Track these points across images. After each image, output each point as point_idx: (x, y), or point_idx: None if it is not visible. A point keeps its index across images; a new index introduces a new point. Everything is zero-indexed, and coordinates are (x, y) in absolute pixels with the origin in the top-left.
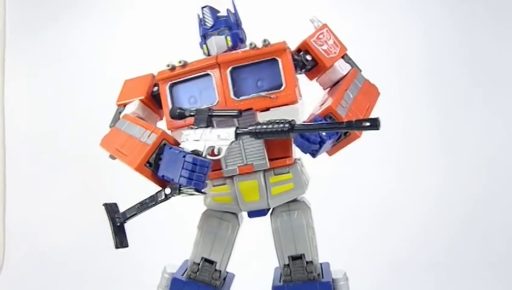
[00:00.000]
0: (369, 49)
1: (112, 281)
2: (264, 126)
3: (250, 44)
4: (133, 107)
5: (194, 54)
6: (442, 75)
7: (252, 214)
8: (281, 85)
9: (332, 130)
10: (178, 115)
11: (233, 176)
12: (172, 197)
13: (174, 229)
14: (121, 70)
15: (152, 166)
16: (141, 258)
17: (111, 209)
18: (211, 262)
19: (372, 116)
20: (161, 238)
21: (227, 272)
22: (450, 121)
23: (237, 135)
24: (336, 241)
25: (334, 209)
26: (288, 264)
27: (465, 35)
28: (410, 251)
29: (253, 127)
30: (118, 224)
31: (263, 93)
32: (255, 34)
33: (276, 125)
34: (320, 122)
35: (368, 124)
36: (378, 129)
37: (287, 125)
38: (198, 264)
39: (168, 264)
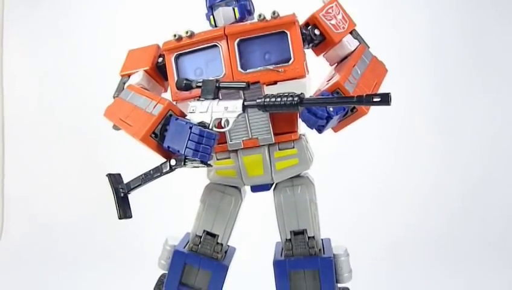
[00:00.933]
0: (373, 31)
1: (113, 254)
2: (273, 99)
3: (259, 16)
4: (138, 77)
5: (200, 25)
6: (444, 57)
7: (255, 188)
8: (289, 58)
9: (343, 105)
10: (185, 86)
11: (238, 149)
12: (177, 169)
13: (175, 201)
14: (123, 42)
15: (157, 137)
16: (142, 230)
17: (114, 180)
18: (213, 235)
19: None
20: (162, 210)
21: (228, 246)
22: (451, 102)
23: (245, 107)
24: (336, 218)
25: (335, 187)
26: (290, 239)
27: (469, 19)
28: (409, 229)
29: (262, 99)
30: (122, 195)
31: (271, 67)
32: (263, 6)
33: (285, 98)
34: (327, 96)
35: (378, 99)
36: (389, 104)
37: (296, 98)
38: (200, 237)
39: (169, 237)
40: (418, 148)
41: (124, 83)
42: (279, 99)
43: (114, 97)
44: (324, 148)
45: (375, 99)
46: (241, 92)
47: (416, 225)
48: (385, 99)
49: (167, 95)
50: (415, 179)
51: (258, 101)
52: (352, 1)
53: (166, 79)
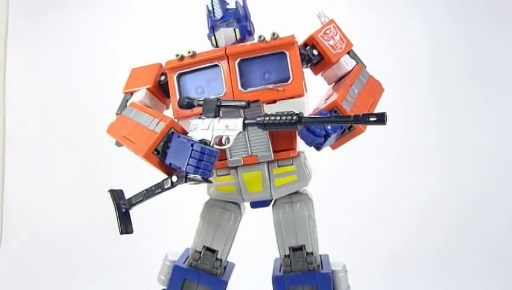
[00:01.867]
0: (371, 45)
1: (112, 268)
2: (272, 118)
3: (259, 37)
4: (140, 95)
5: (201, 44)
6: (442, 71)
7: (255, 204)
8: (288, 78)
9: (340, 124)
10: (187, 104)
11: (238, 166)
12: (178, 185)
13: (175, 217)
14: (125, 59)
15: (159, 154)
16: (142, 245)
17: (116, 195)
18: (213, 251)
19: (376, 111)
20: (162, 225)
21: (227, 261)
22: (449, 116)
23: (245, 126)
24: (335, 233)
25: (334, 202)
26: (288, 255)
27: (466, 32)
28: (407, 244)
29: (261, 118)
30: (124, 210)
31: (270, 86)
32: (263, 27)
33: (284, 117)
34: (325, 115)
35: (374, 118)
36: (384, 124)
37: (295, 117)
38: (200, 252)
39: (169, 252)
40: (416, 162)
41: (127, 101)
42: (278, 118)
43: (117, 114)
44: (322, 163)
45: (371, 119)
46: (242, 110)
47: (414, 240)
48: (381, 118)
49: (169, 113)
50: (413, 194)
51: (258, 119)
52: (351, 16)
53: (168, 97)
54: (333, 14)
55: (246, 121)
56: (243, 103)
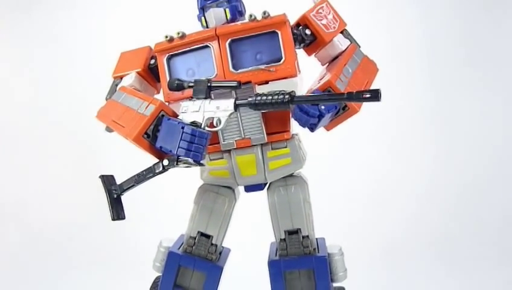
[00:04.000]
0: (366, 30)
1: (108, 257)
2: (264, 97)
3: (250, 16)
4: (130, 79)
5: (192, 26)
6: (438, 57)
7: (249, 188)
8: (281, 58)
9: (333, 102)
10: (176, 86)
11: (231, 150)
12: (170, 169)
13: (169, 203)
14: (116, 46)
15: (150, 137)
16: (137, 232)
17: (107, 181)
18: (207, 236)
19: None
20: (156, 212)
21: (223, 247)
22: (446, 103)
23: (236, 106)
24: (331, 218)
25: (330, 187)
26: (284, 239)
27: (462, 18)
28: (405, 229)
29: (253, 98)
30: (115, 196)
31: (262, 66)
32: (254, 7)
33: (276, 97)
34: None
35: (368, 95)
36: (379, 100)
37: (287, 96)
38: (195, 238)
39: (164, 238)
40: (412, 148)
41: (117, 85)
42: (270, 97)
43: (106, 99)
44: (318, 149)
45: (365, 96)
46: (233, 91)
47: (411, 225)
48: (375, 95)
49: (159, 96)
50: (410, 179)
51: (249, 99)
52: (344, 5)
53: (159, 81)
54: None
55: (237, 102)
56: (234, 83)
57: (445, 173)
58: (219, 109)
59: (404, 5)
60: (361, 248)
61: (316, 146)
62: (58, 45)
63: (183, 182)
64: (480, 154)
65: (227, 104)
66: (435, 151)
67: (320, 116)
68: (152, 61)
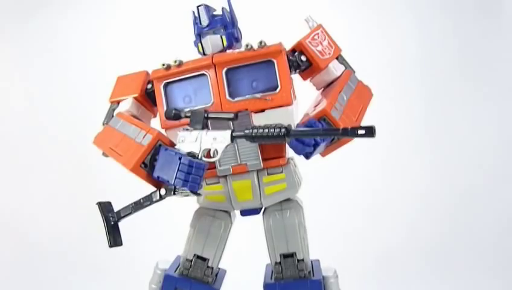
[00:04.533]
0: (361, 44)
1: (104, 277)
2: (260, 130)
3: (246, 45)
4: (127, 105)
5: (188, 45)
6: (432, 71)
7: (245, 212)
8: (277, 86)
9: (328, 136)
10: (174, 116)
11: (227, 175)
12: (167, 197)
13: (165, 224)
14: (113, 61)
15: (147, 167)
16: (133, 253)
17: (104, 208)
18: (203, 259)
19: (365, 117)
20: (153, 233)
21: (219, 268)
22: (440, 114)
23: (233, 138)
24: (325, 235)
25: (325, 197)
26: (279, 262)
27: (457, 29)
28: (399, 240)
29: (249, 130)
30: (112, 223)
31: (258, 95)
32: (250, 32)
33: (272, 130)
34: (314, 124)
35: (363, 132)
36: (373, 137)
37: (283, 130)
38: (191, 261)
39: (160, 260)
40: (405, 163)
41: (114, 110)
42: (266, 130)
43: (103, 124)
44: (312, 163)
45: (359, 132)
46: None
47: (406, 236)
48: (369, 131)
49: (156, 121)
50: (405, 190)
51: (246, 132)
52: (341, 15)
53: (156, 104)
54: (322, 12)
55: (234, 134)
56: (231, 115)
57: (440, 183)
58: (216, 140)
59: (398, 15)
60: (357, 258)
61: (310, 161)
62: (57, 57)
63: (179, 203)
64: (475, 164)
65: (224, 135)
66: (429, 162)
67: (316, 145)
68: (149, 86)
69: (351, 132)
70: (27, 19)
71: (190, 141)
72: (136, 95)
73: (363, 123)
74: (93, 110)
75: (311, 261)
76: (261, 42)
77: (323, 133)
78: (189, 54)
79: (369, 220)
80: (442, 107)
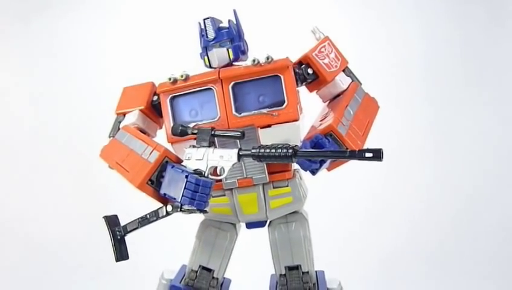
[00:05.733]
0: (366, 47)
1: (108, 272)
2: (268, 150)
3: (253, 60)
4: (133, 117)
5: (190, 46)
6: (437, 74)
7: (250, 225)
8: (283, 101)
9: (335, 158)
10: (180, 132)
11: (233, 188)
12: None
13: (171, 234)
14: (117, 63)
15: (154, 183)
16: (138, 262)
17: (111, 221)
18: (209, 270)
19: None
20: (158, 243)
21: (224, 278)
22: (443, 118)
23: (240, 157)
24: (328, 242)
25: (327, 202)
26: (284, 274)
27: (461, 32)
28: (400, 245)
29: (256, 150)
30: (119, 237)
31: (265, 111)
32: (257, 44)
33: (279, 150)
34: (321, 140)
35: (370, 155)
36: (381, 160)
37: (290, 150)
38: (196, 271)
39: (165, 270)
40: (408, 166)
41: (120, 122)
42: (273, 150)
43: (109, 137)
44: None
45: (367, 155)
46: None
47: (408, 241)
48: (377, 155)
49: (162, 133)
50: (407, 195)
51: (253, 151)
52: (345, 19)
53: (161, 115)
54: (328, 20)
55: (241, 153)
56: (238, 134)
57: (443, 188)
58: (223, 158)
59: (404, 22)
60: (358, 262)
61: None
62: (58, 57)
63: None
64: (477, 170)
65: (231, 154)
66: (432, 167)
67: (322, 161)
68: (155, 98)
69: (359, 155)
70: (30, 21)
71: (197, 159)
72: (142, 108)
73: (370, 136)
74: (97, 112)
75: (316, 272)
76: (268, 58)
77: (330, 155)
78: (191, 54)
79: (372, 226)
80: (446, 113)
